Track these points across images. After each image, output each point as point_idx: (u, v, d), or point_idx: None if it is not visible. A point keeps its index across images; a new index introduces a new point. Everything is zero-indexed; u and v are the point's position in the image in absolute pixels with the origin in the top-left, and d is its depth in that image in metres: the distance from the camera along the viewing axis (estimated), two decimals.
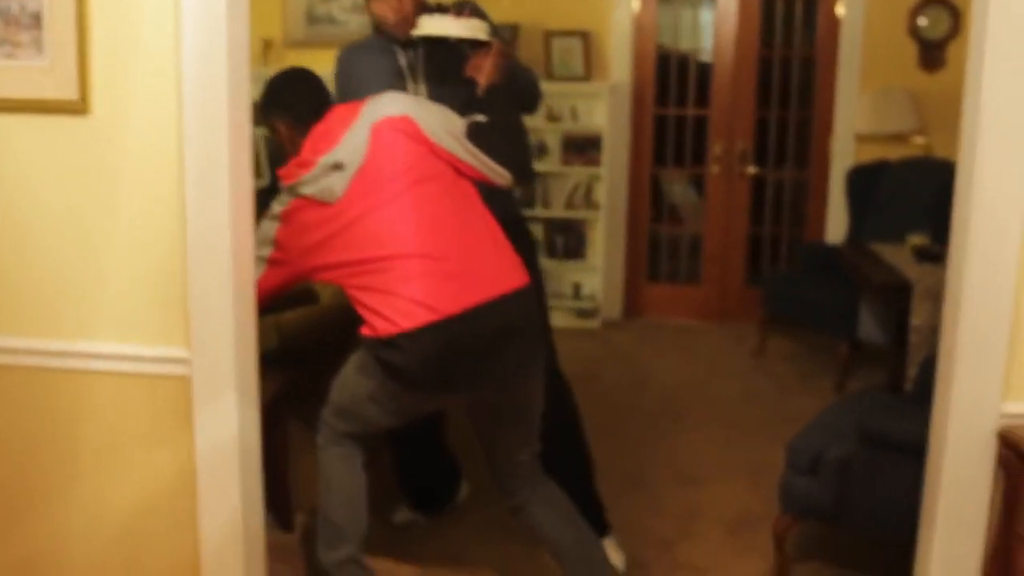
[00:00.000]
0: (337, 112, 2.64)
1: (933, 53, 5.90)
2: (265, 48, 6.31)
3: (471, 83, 2.90)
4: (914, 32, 5.87)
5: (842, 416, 3.20)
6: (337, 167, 2.47)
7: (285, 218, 2.56)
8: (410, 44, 3.09)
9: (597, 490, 3.31)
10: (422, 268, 2.43)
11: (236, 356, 2.30)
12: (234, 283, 2.27)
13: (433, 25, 2.87)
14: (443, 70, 3.05)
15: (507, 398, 2.64)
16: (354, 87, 3.03)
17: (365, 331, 2.48)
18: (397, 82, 3.06)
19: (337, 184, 2.47)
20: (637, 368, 5.51)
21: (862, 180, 5.67)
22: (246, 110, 2.29)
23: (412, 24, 3.01)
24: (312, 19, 6.42)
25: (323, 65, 6.13)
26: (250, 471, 2.41)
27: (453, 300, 2.41)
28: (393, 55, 3.12)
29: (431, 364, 2.41)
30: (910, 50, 5.89)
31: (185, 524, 2.39)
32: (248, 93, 2.30)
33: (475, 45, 2.90)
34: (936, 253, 4.29)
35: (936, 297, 4.04)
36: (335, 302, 3.46)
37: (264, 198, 2.62)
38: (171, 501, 2.39)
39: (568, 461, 3.15)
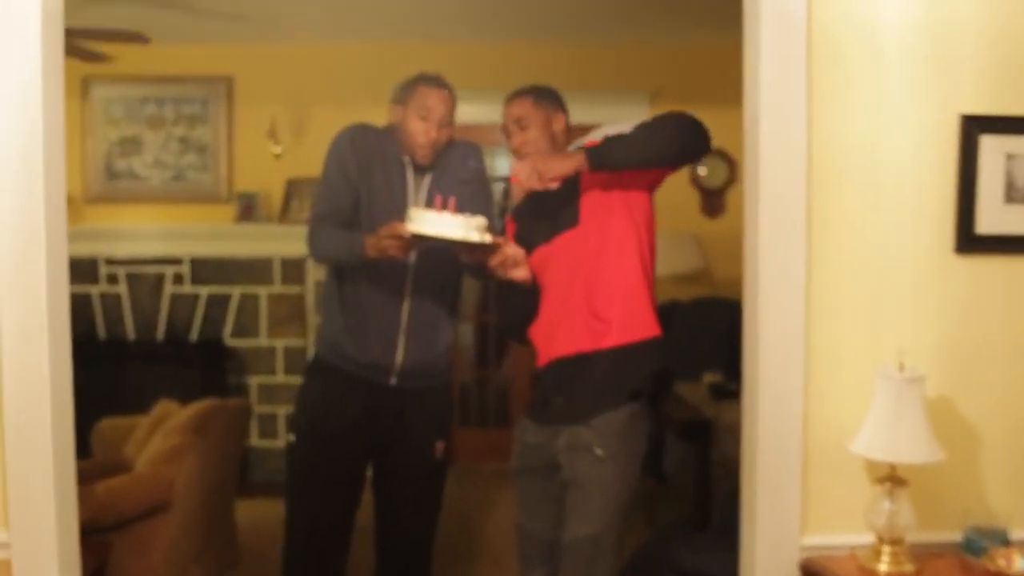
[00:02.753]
0: None
1: (713, 200, 6.34)
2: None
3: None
4: (695, 181, 6.31)
5: (655, 554, 3.30)
6: None
7: None
8: (421, 169, 3.06)
9: None
10: None
11: (59, 536, 2.22)
12: (55, 462, 2.20)
13: (426, 225, 2.65)
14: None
15: None
16: (353, 177, 3.01)
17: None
18: (400, 204, 2.98)
19: None
20: (455, 513, 5.47)
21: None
22: (64, 277, 2.26)
23: (435, 152, 3.01)
24: (112, 174, 6.30)
25: (129, 218, 6.05)
26: None
27: None
28: (404, 177, 3.06)
29: None
30: (693, 197, 6.32)
31: None
32: (66, 259, 2.27)
33: (472, 246, 2.73)
34: (731, 390, 4.54)
35: (733, 432, 4.26)
36: (153, 471, 3.38)
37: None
38: None
39: None
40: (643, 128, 2.70)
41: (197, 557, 3.95)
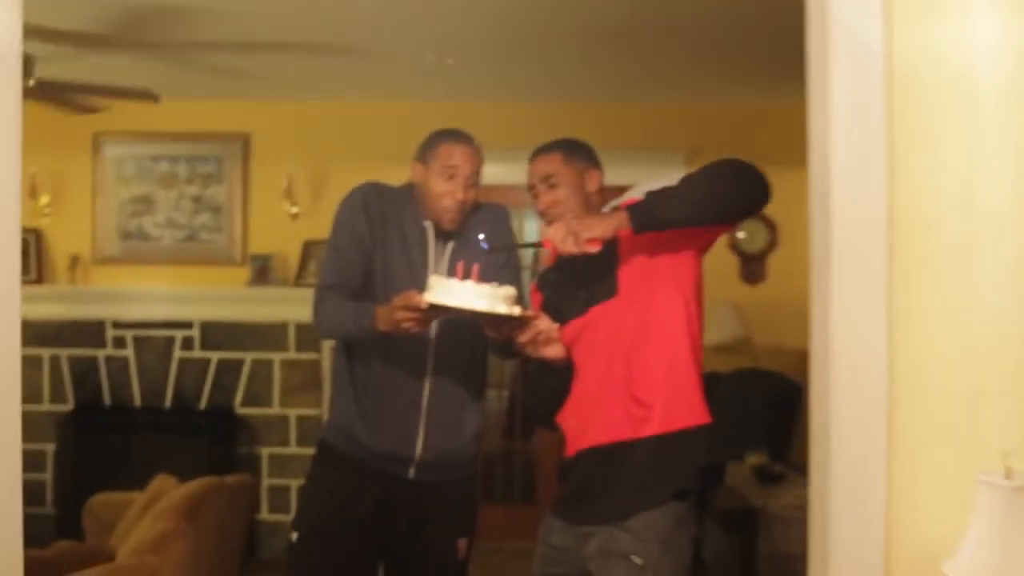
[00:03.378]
0: None
1: (753, 266, 6.00)
2: (72, 264, 5.92)
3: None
4: (734, 245, 5.98)
5: None
6: None
7: None
8: (444, 235, 2.74)
9: None
10: None
11: None
12: None
13: (446, 295, 2.32)
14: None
15: None
16: (366, 242, 2.70)
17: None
18: (420, 275, 2.65)
19: None
20: None
21: None
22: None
23: (462, 215, 2.70)
24: (123, 235, 6.08)
25: (138, 280, 5.84)
26: None
27: None
28: (424, 244, 2.74)
29: None
30: (732, 263, 5.98)
31: None
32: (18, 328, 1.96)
33: (499, 319, 2.39)
34: (777, 474, 4.15)
35: (783, 522, 3.86)
36: (136, 562, 3.04)
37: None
38: None
39: None
40: (692, 179, 2.33)
41: None
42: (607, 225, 2.28)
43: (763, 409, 5.05)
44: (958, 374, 1.93)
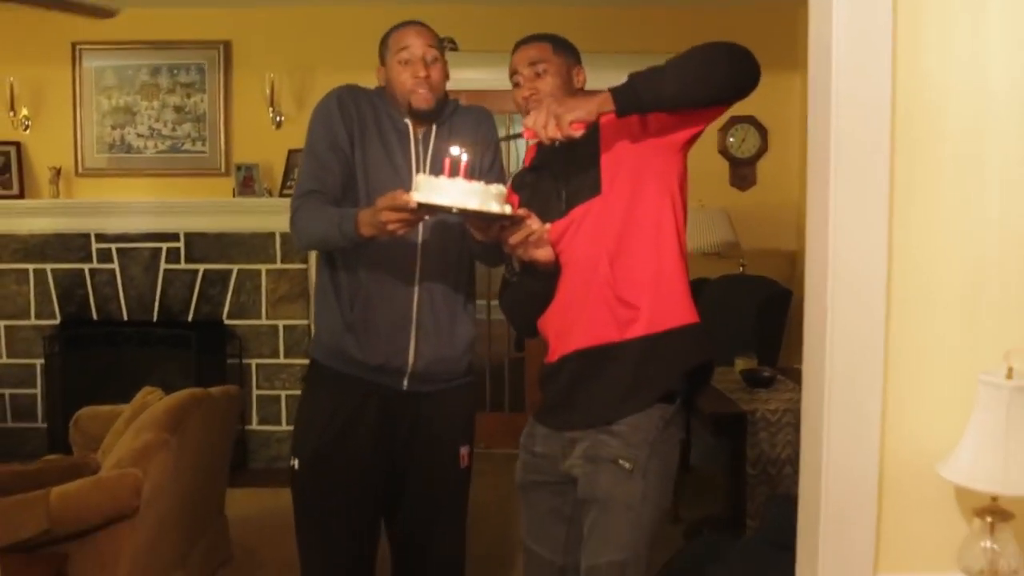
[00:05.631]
0: None
1: (744, 171, 5.94)
2: (55, 177, 5.85)
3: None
4: (724, 150, 5.91)
5: (687, 571, 2.93)
6: None
7: None
8: (426, 136, 2.66)
9: None
10: None
11: None
12: None
13: (435, 194, 2.18)
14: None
15: None
16: (343, 146, 2.60)
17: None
18: (403, 176, 2.58)
19: None
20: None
21: None
22: None
23: (435, 95, 2.61)
24: (106, 146, 6.00)
25: (122, 192, 5.77)
26: None
27: None
28: (407, 144, 2.66)
29: None
30: (722, 168, 5.93)
31: None
32: None
33: (488, 217, 2.27)
34: (766, 378, 4.15)
35: (771, 426, 3.87)
36: (117, 474, 3.02)
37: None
38: None
39: None
40: (679, 59, 2.21)
41: (180, 561, 3.60)
42: (590, 106, 2.18)
43: (752, 314, 5.03)
44: (960, 272, 1.87)
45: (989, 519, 1.76)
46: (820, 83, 1.87)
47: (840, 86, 1.81)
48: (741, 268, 5.61)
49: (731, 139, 5.89)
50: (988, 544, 1.75)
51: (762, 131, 5.84)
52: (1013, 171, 1.85)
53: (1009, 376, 1.71)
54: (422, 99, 2.60)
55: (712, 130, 5.84)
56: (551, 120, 2.16)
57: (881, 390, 1.86)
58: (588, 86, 2.51)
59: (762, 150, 5.88)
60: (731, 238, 5.63)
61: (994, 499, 1.76)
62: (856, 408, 1.87)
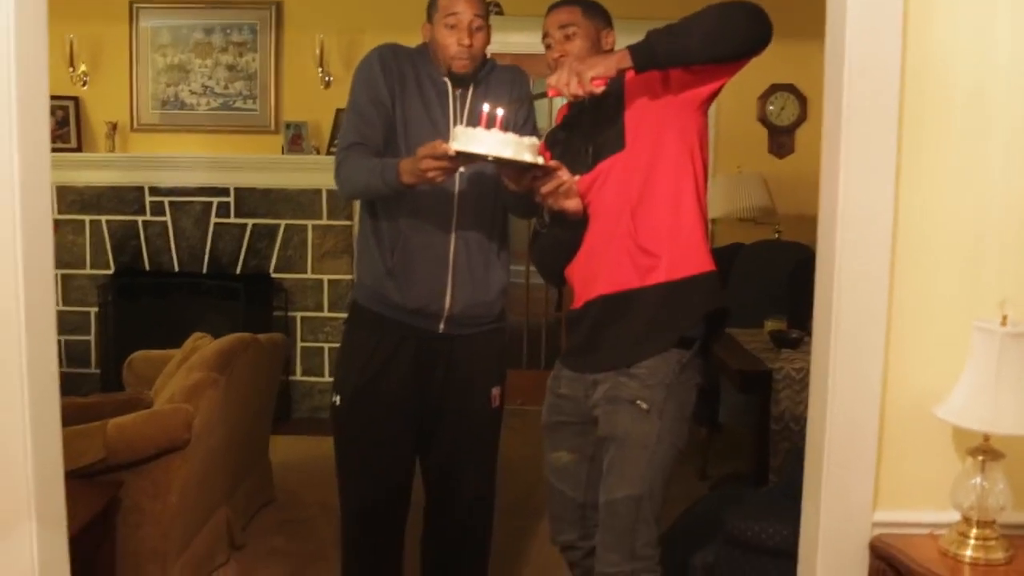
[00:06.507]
0: None
1: (782, 139, 6.00)
2: (111, 131, 6.03)
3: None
4: (763, 118, 5.98)
5: (706, 517, 3.06)
6: None
7: None
8: (463, 93, 2.78)
9: None
10: None
11: (36, 480, 2.01)
12: (30, 393, 1.98)
13: (472, 143, 2.30)
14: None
15: None
16: (385, 102, 2.73)
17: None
18: (442, 131, 2.68)
19: None
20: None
21: (717, 263, 5.64)
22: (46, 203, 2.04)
23: (473, 61, 2.73)
24: (160, 103, 6.17)
25: (175, 147, 5.92)
26: None
27: None
28: (445, 101, 2.77)
29: None
30: (761, 135, 5.99)
31: None
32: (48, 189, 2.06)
33: (522, 167, 2.39)
34: (794, 339, 4.25)
35: (795, 384, 3.98)
36: (170, 408, 3.20)
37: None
38: None
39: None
40: (694, 16, 2.31)
41: (226, 497, 3.80)
42: (609, 63, 2.31)
43: (785, 278, 5.11)
44: (959, 225, 1.99)
45: (981, 458, 1.88)
46: (834, 48, 1.99)
47: (852, 52, 1.93)
48: (777, 234, 5.68)
49: (771, 107, 5.95)
50: (979, 481, 1.88)
51: (802, 100, 5.88)
52: (1017, 135, 1.96)
53: (1003, 323, 1.83)
54: (462, 67, 2.73)
55: (752, 98, 5.92)
56: (573, 77, 2.30)
57: (884, 338, 1.99)
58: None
59: (801, 119, 5.93)
60: (767, 204, 5.71)
61: (986, 438, 1.88)
62: (860, 355, 2.00)
